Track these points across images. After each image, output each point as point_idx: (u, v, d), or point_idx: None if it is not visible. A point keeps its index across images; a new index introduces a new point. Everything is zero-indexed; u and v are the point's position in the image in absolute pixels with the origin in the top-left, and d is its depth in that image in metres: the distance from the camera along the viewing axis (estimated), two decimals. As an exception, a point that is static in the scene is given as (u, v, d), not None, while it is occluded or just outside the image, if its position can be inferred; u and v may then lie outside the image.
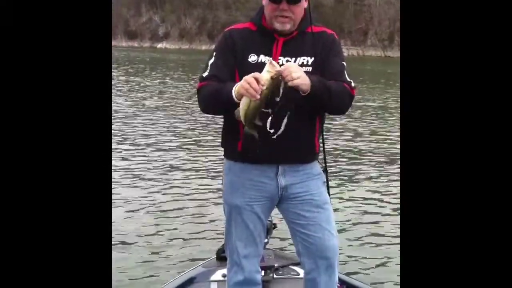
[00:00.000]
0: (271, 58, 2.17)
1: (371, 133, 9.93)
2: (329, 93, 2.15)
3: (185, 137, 8.97)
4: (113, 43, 71.83)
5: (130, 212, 5.00)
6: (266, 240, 3.09)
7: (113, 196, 4.93)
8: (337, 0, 76.02)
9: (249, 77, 2.00)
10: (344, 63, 2.29)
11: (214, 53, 2.28)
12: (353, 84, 2.26)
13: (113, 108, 11.95)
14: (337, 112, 2.39)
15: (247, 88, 1.98)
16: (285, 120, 2.19)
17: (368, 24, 77.12)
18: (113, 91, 15.56)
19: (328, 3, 73.53)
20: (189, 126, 10.15)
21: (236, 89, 2.07)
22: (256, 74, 2.00)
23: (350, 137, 9.38)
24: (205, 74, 2.25)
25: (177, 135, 9.22)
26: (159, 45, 77.90)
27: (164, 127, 9.99)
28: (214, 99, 2.20)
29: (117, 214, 4.69)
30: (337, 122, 10.30)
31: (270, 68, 2.00)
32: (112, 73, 20.00)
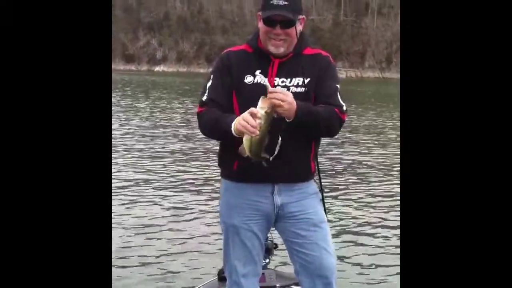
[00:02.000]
0: (266, 78, 2.19)
1: (368, 152, 9.93)
2: (315, 119, 2.15)
3: (182, 157, 8.96)
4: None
5: (128, 231, 4.96)
6: (267, 260, 3.05)
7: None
8: (335, 23, 76.90)
9: (245, 114, 2.02)
10: (338, 86, 2.29)
11: (212, 76, 2.30)
12: (344, 108, 2.25)
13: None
14: (325, 136, 2.38)
15: (245, 126, 2.01)
16: (278, 146, 2.18)
17: (365, 46, 77.86)
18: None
19: (325, 26, 74.37)
20: (188, 145, 10.15)
21: (234, 125, 2.09)
22: (253, 109, 2.02)
23: (347, 157, 9.38)
24: (204, 98, 2.27)
25: (174, 154, 9.21)
26: (157, 68, 78.37)
27: (160, 147, 10.00)
28: (213, 129, 2.23)
29: (115, 234, 4.64)
30: (334, 142, 10.29)
31: (263, 103, 2.02)
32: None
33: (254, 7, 72.45)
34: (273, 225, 2.39)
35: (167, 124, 13.92)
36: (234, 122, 2.09)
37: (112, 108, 16.71)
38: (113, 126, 12.03)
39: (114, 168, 7.49)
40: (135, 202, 6.05)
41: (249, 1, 78.98)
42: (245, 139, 2.08)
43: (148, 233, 4.98)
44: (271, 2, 2.18)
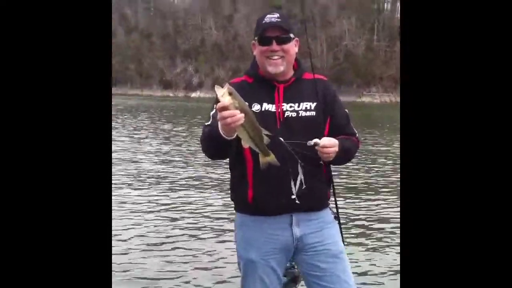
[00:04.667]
0: (274, 105, 2.21)
1: (381, 175, 9.81)
2: (347, 155, 2.30)
3: (197, 186, 8.62)
4: (149, 92, 74.23)
5: (128, 274, 4.63)
6: (294, 289, 3.12)
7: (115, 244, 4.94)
8: (368, 48, 76.49)
9: (220, 114, 1.90)
10: (347, 111, 2.38)
11: (216, 105, 2.15)
12: (357, 135, 2.40)
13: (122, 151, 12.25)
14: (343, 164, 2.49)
15: (227, 120, 1.88)
16: (301, 176, 2.19)
17: (399, 70, 76.73)
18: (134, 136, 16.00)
19: (359, 51, 74.08)
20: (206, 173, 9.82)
21: (220, 129, 2.00)
22: (219, 104, 1.89)
23: (360, 182, 9.20)
24: (207, 123, 2.22)
25: (190, 181, 8.95)
26: (193, 94, 79.23)
27: (180, 171, 9.89)
28: (209, 141, 2.15)
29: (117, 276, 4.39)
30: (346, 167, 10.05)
31: (219, 91, 1.90)
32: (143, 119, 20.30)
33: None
34: (291, 258, 2.34)
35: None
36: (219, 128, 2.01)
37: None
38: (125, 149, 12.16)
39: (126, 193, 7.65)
40: (135, 237, 5.73)
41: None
42: (239, 132, 1.97)
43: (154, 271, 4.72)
44: (264, 21, 2.21)
